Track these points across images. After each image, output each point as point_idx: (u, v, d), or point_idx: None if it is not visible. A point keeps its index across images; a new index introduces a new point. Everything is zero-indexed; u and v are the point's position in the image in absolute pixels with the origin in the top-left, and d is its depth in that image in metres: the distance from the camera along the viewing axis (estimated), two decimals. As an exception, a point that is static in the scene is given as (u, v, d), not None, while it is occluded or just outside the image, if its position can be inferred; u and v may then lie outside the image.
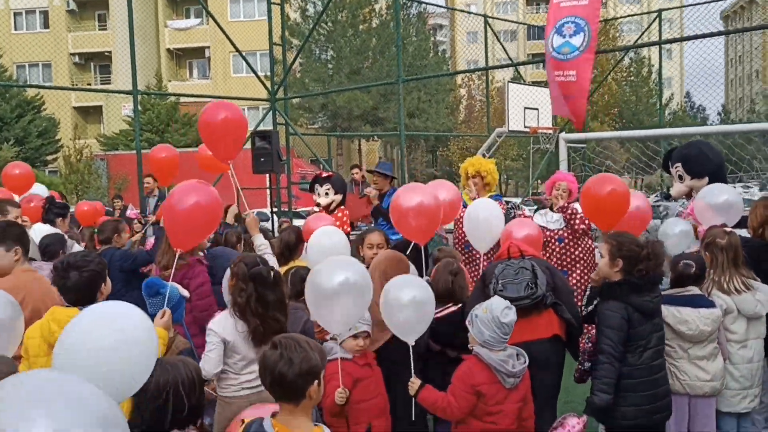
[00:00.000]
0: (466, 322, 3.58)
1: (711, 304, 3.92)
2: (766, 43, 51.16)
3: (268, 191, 20.16)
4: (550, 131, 16.24)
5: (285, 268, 5.05)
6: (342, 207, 7.50)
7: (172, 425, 2.48)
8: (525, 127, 15.41)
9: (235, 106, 4.94)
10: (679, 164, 5.00)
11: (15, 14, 38.50)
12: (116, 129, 34.37)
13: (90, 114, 39.11)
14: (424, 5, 30.20)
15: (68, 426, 1.28)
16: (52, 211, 6.20)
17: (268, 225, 18.45)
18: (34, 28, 38.44)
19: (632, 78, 42.31)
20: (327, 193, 7.36)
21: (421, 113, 32.14)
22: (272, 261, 4.13)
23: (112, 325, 2.43)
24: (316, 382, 2.54)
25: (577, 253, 6.23)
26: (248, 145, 13.33)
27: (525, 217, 8.12)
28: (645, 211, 4.62)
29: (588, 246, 6.31)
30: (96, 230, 6.28)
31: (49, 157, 31.98)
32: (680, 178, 5.05)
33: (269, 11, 14.23)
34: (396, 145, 35.71)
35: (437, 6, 24.31)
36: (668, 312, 3.82)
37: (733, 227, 4.70)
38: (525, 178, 29.82)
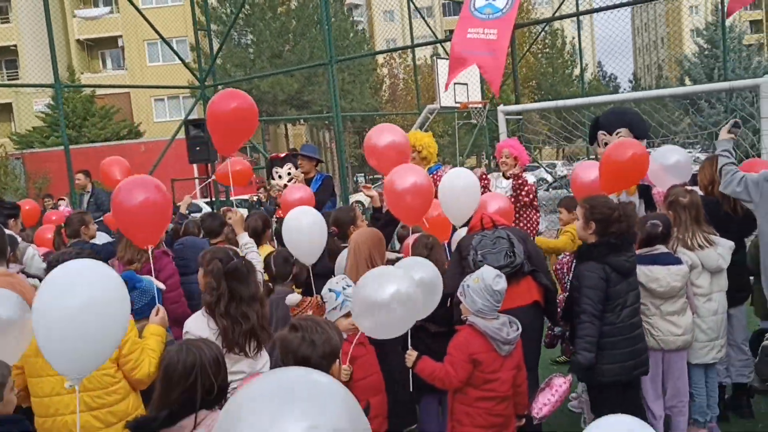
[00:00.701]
0: (458, 294, 3.64)
1: (678, 261, 4.12)
2: (669, 10, 53.30)
3: (196, 181, 19.85)
4: (480, 105, 16.53)
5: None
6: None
7: (201, 405, 2.45)
8: (456, 102, 15.60)
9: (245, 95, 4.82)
10: (625, 129, 5.16)
11: None
12: (28, 126, 32.78)
13: (-1, 112, 37.20)
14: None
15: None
16: (2, 213, 5.93)
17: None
18: (-70, 24, 36.11)
19: (548, 50, 43.39)
20: (289, 173, 7.29)
21: (346, 94, 32.04)
22: (256, 260, 4.04)
23: (82, 282, 2.51)
24: (337, 361, 2.57)
25: (518, 224, 6.22)
26: (181, 135, 13.12)
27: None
28: None
29: (531, 218, 6.36)
30: (63, 224, 6.08)
31: (-42, 159, 30.21)
32: (605, 145, 5.24)
33: (191, -4, 13.84)
34: (322, 128, 35.53)
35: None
36: (640, 271, 3.98)
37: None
38: (452, 153, 30.18)
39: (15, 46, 35.81)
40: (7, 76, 37.47)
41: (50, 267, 3.41)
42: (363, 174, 43.77)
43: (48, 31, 11.24)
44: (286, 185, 7.13)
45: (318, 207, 5.85)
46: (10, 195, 23.61)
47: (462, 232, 4.41)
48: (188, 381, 2.44)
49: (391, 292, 3.27)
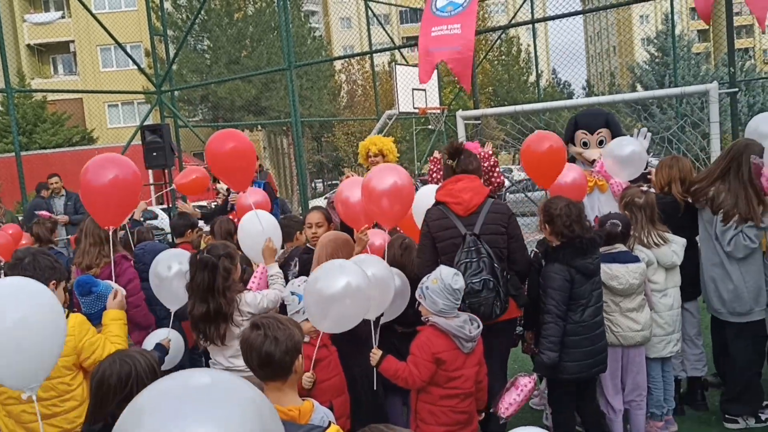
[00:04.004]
0: (416, 296, 3.66)
1: (636, 259, 4.24)
2: (620, 19, 54.61)
3: (152, 188, 19.56)
4: (438, 111, 16.69)
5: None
6: None
7: None
8: (414, 108, 15.73)
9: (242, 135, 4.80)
10: (605, 129, 5.31)
11: None
12: (-26, 132, 31.87)
13: (-58, 117, 36.06)
14: (299, -9, 30.00)
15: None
16: None
17: (158, 223, 17.86)
18: None
19: (504, 57, 44.01)
20: None
21: (304, 100, 31.95)
22: (278, 292, 4.02)
23: (15, 301, 2.51)
24: (300, 356, 2.58)
25: None
26: (136, 140, 12.91)
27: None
28: (581, 182, 4.85)
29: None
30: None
31: None
32: (600, 143, 5.37)
33: (147, 2, 13.64)
34: (280, 134, 35.32)
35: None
36: (600, 269, 4.08)
37: (632, 181, 5.10)
38: (410, 159, 30.38)
39: (-40, 50, 34.83)
40: (-48, 81, 36.38)
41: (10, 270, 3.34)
42: (321, 180, 43.72)
43: (-1, 37, 10.97)
44: (228, 189, 7.14)
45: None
46: (-42, 203, 22.92)
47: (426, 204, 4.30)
48: (123, 392, 2.43)
49: (343, 284, 3.31)
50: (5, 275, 3.44)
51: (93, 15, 12.67)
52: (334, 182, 44.39)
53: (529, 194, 17.20)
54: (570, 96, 51.16)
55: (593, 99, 10.53)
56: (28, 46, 37.09)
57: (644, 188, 4.63)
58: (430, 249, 4.07)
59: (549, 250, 4.03)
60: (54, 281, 3.42)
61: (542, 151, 4.58)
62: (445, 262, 3.98)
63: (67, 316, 3.26)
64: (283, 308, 4.03)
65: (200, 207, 20.62)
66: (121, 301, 3.78)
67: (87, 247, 4.83)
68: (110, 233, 4.56)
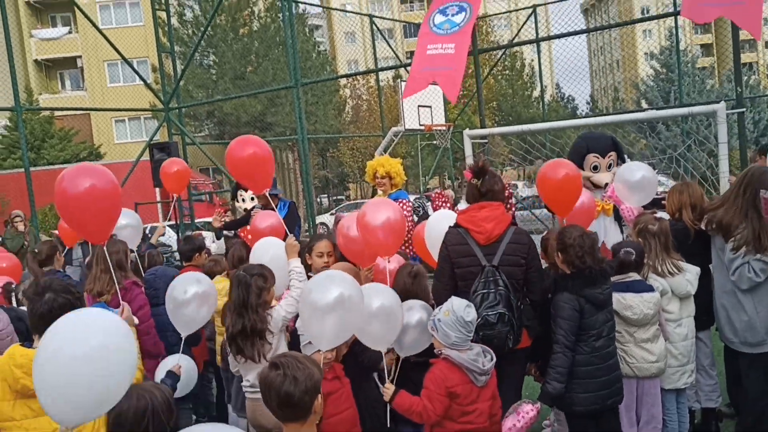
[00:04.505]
0: (429, 328, 3.64)
1: (650, 288, 4.21)
2: (623, 34, 54.79)
3: (159, 207, 19.60)
4: (444, 128, 16.72)
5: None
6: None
7: None
8: (420, 125, 15.76)
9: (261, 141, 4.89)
10: (613, 152, 5.32)
11: None
12: (-17, 147, 32.04)
13: (-49, 133, 36.27)
14: (305, 6, 30.15)
15: None
16: None
17: (167, 240, 17.88)
18: None
19: (507, 72, 44.12)
20: (252, 198, 7.29)
21: (309, 116, 32.05)
22: (300, 288, 4.01)
23: (89, 332, 2.41)
24: (319, 395, 2.57)
25: None
26: (143, 157, 12.96)
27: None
28: (589, 206, 4.84)
29: None
30: (35, 251, 5.98)
31: None
32: (609, 166, 5.37)
33: (154, 18, 13.73)
34: (285, 150, 35.41)
35: (321, 7, 24.31)
36: (613, 298, 4.04)
37: (645, 206, 5.09)
38: (415, 175, 30.41)
39: (-31, 66, 35.09)
40: (-39, 97, 36.62)
41: (32, 290, 3.33)
42: (326, 195, 43.77)
43: (8, 55, 11.08)
44: (246, 210, 7.16)
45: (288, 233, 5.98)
46: (-35, 219, 22.97)
47: (443, 226, 4.29)
48: (140, 427, 2.43)
49: (335, 295, 3.35)
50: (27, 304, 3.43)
51: (100, 31, 12.75)
52: (339, 197, 44.48)
53: (534, 211, 17.20)
54: (574, 110, 51.24)
55: (601, 119, 10.52)
56: (36, 61, 37.33)
57: (658, 215, 4.61)
58: (448, 273, 4.04)
59: (558, 279, 4.02)
60: None
61: (558, 179, 4.56)
62: (462, 288, 3.98)
63: None
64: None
65: (207, 223, 20.68)
66: (129, 316, 3.77)
67: (98, 273, 4.84)
68: (125, 256, 4.59)
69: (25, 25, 36.63)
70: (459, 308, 3.54)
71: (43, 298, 3.21)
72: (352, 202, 33.59)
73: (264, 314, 3.87)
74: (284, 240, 5.58)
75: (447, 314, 3.54)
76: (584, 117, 33.97)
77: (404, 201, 6.95)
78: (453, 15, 7.99)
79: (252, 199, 7.23)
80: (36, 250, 5.99)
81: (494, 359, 3.60)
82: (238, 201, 7.44)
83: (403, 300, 4.05)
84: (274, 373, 2.53)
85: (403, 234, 4.34)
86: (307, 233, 13.47)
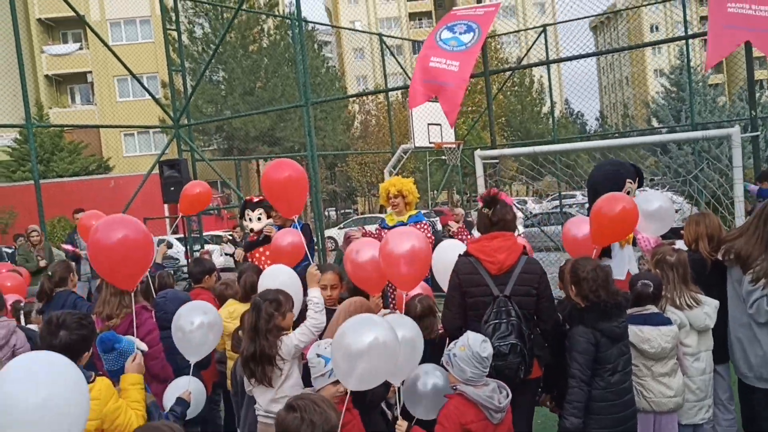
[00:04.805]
0: (444, 362, 3.59)
1: (668, 321, 4.12)
2: (632, 51, 54.78)
3: (167, 220, 19.64)
4: (454, 145, 16.70)
5: (244, 308, 4.94)
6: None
7: None
8: (430, 142, 15.75)
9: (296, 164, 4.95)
10: (634, 180, 5.26)
11: None
12: (-8, 160, 32.27)
13: (-39, 146, 36.55)
14: (313, 24, 30.31)
15: None
16: None
17: (174, 253, 17.89)
18: None
19: (516, 88, 44.18)
20: (260, 218, 7.26)
21: (318, 131, 32.18)
22: (320, 319, 3.98)
23: (39, 380, 2.38)
24: None
25: None
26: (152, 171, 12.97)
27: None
28: None
29: None
30: (49, 273, 5.97)
31: None
32: (628, 193, 5.30)
33: (165, 36, 13.79)
34: (294, 165, 35.43)
35: (330, 26, 24.43)
36: (631, 332, 3.98)
37: (663, 236, 5.01)
38: (423, 190, 30.44)
39: (-19, 80, 35.42)
40: (-28, 111, 36.96)
41: (47, 324, 3.32)
42: (334, 209, 43.79)
43: (20, 71, 11.13)
44: (252, 230, 7.13)
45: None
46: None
47: (451, 255, 4.24)
48: None
49: (370, 340, 3.24)
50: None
51: (109, 48, 12.81)
52: (347, 211, 44.49)
53: (544, 228, 17.13)
54: (583, 126, 51.19)
55: (615, 141, 10.35)
56: (46, 76, 37.65)
57: (676, 246, 4.53)
58: (459, 301, 4.01)
59: (574, 312, 3.96)
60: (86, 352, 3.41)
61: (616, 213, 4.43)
62: (472, 317, 3.94)
63: (93, 380, 3.21)
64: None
65: (215, 236, 20.66)
66: (140, 364, 3.74)
67: (108, 296, 4.79)
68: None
69: (36, 42, 36.98)
70: (475, 343, 3.48)
71: (57, 336, 3.22)
72: (360, 216, 33.56)
73: (274, 340, 3.84)
74: (303, 259, 5.60)
75: (462, 349, 3.48)
76: (593, 134, 33.88)
77: (424, 224, 6.90)
78: (461, 33, 7.94)
79: (258, 219, 7.20)
80: (50, 273, 5.99)
81: (509, 396, 3.53)
82: (245, 220, 7.40)
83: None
84: (291, 416, 2.48)
85: (428, 265, 4.24)
86: (317, 248, 13.43)
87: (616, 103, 63.00)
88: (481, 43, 7.72)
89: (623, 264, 4.90)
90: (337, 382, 3.56)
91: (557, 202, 21.39)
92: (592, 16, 19.99)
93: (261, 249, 7.09)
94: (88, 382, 3.17)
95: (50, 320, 3.28)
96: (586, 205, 5.62)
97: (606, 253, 4.86)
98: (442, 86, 7.48)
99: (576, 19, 19.00)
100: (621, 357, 3.83)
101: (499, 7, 8.50)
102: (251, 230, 7.24)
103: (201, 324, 4.30)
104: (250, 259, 7.31)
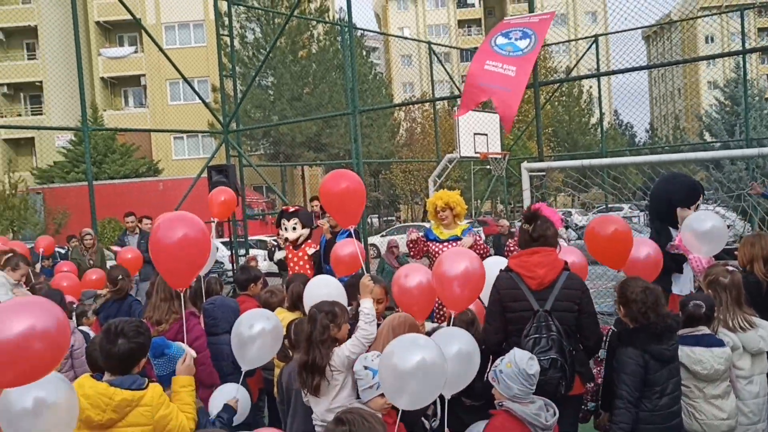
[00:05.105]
0: (490, 379, 3.57)
1: (721, 343, 4.03)
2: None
3: (213, 224, 19.99)
4: (500, 156, 16.60)
5: (292, 316, 5.00)
6: (309, 241, 7.47)
7: None
8: (475, 152, 15.67)
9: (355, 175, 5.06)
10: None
11: (-62, 45, 37.13)
12: (50, 161, 33.28)
13: (21, 146, 37.82)
14: (363, 31, 30.51)
15: None
16: None
17: (219, 257, 18.19)
18: (-42, 58, 37.10)
19: (564, 98, 43.66)
20: (294, 228, 7.32)
21: (363, 138, 32.34)
22: (371, 331, 3.97)
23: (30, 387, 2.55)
24: None
25: None
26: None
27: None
28: (656, 257, 4.68)
29: None
30: (120, 277, 6.18)
31: (-20, 193, 30.61)
32: (697, 208, 5.20)
33: (218, 41, 14.05)
34: (339, 170, 35.67)
35: (380, 33, 24.56)
36: (682, 352, 3.91)
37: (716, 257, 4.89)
38: (467, 199, 30.34)
39: (40, 82, 36.62)
40: (31, 111, 38.22)
41: (106, 332, 3.40)
42: (377, 216, 43.88)
43: (79, 75, 11.46)
44: (287, 239, 7.19)
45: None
46: (30, 230, 23.84)
47: (492, 271, 4.22)
48: None
49: (417, 360, 3.23)
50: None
51: (163, 51, 13.07)
52: (389, 218, 44.53)
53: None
54: (632, 138, 50.33)
55: (666, 157, 10.17)
56: (102, 78, 38.71)
57: (730, 267, 4.42)
58: (499, 316, 4.00)
59: (623, 333, 3.90)
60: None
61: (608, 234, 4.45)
62: (513, 332, 3.93)
63: (146, 386, 3.29)
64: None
65: (259, 241, 20.89)
66: (190, 366, 3.80)
67: (158, 302, 4.90)
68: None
69: (94, 44, 38.08)
70: (521, 360, 3.45)
71: (116, 344, 3.29)
72: (402, 224, 33.57)
73: (327, 351, 3.86)
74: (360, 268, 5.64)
75: (509, 366, 3.45)
76: (642, 146, 33.25)
77: (482, 244, 6.83)
78: (516, 39, 7.84)
79: (294, 229, 7.28)
80: (121, 276, 6.28)
81: (557, 414, 3.49)
82: (281, 229, 7.49)
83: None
84: (339, 429, 2.50)
85: (481, 286, 4.22)
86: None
87: (667, 115, 61.77)
88: (538, 50, 7.61)
89: (687, 283, 4.82)
90: (383, 395, 3.57)
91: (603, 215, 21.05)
92: (646, 26, 19.67)
93: (293, 254, 7.20)
94: (141, 389, 3.25)
95: (109, 329, 3.36)
96: (635, 219, 5.54)
97: (678, 269, 4.79)
98: (499, 90, 7.36)
99: (628, 30, 18.71)
100: (670, 380, 3.77)
101: (554, 16, 8.38)
102: (286, 239, 7.33)
103: (262, 331, 4.32)
104: (288, 263, 7.40)
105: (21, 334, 2.47)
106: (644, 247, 4.60)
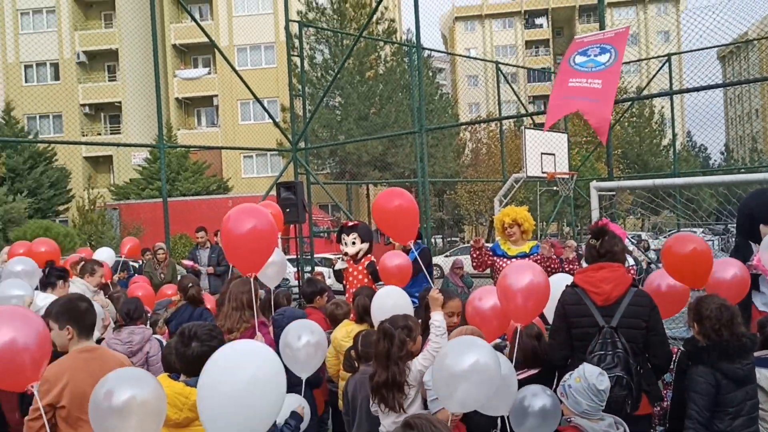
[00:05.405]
0: (559, 394, 3.53)
1: (801, 366, 3.89)
2: (764, 83, 51.76)
3: (279, 240, 20.36)
4: (567, 176, 16.37)
5: (359, 328, 5.07)
6: (369, 256, 7.54)
7: None
8: (542, 172, 15.51)
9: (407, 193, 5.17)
10: None
11: (26, 67, 39.25)
12: (126, 178, 34.65)
13: (100, 164, 39.54)
14: (430, 51, 30.69)
15: None
16: (53, 275, 6.22)
17: (287, 273, 18.47)
18: (45, 80, 39.12)
19: (635, 119, 42.71)
20: (354, 242, 7.41)
21: (429, 157, 32.41)
22: (441, 344, 3.98)
23: (246, 363, 2.71)
24: None
25: None
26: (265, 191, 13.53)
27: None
28: (742, 277, 4.54)
29: None
30: (189, 284, 6.41)
31: (60, 207, 32.10)
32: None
33: (289, 63, 14.42)
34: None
35: (447, 53, 24.69)
36: (760, 374, 3.79)
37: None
38: (533, 219, 29.89)
39: (119, 102, 38.28)
40: (110, 130, 39.96)
41: (180, 335, 3.53)
42: (441, 236, 43.77)
43: (156, 95, 11.98)
44: (347, 253, 7.25)
45: (414, 275, 6.24)
46: (107, 244, 24.77)
47: (558, 286, 4.21)
48: None
49: (471, 362, 3.24)
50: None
51: (237, 72, 13.50)
52: (453, 239, 44.35)
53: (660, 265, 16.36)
54: (706, 160, 48.74)
55: (741, 177, 9.84)
56: (176, 99, 40.15)
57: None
58: (564, 332, 3.97)
59: (693, 351, 3.81)
60: None
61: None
62: (578, 348, 3.89)
63: None
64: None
65: (324, 259, 21.13)
66: None
67: (229, 310, 5.07)
68: (256, 296, 4.82)
69: (170, 66, 39.58)
70: (591, 375, 3.41)
71: (190, 347, 3.41)
72: (466, 244, 33.37)
73: (404, 367, 3.90)
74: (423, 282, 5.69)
75: (578, 380, 3.42)
76: (717, 169, 32.19)
77: (555, 259, 6.81)
78: (595, 56, 7.74)
79: (353, 243, 7.37)
80: (191, 284, 6.51)
81: None
82: (341, 244, 7.60)
83: (529, 361, 3.98)
84: None
85: (546, 299, 4.21)
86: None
87: (744, 136, 59.62)
88: (620, 62, 7.46)
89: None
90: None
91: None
92: (722, 45, 19.14)
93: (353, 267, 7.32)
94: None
95: (182, 332, 3.48)
96: (708, 243, 5.36)
97: (755, 286, 4.66)
98: (587, 102, 7.27)
99: (703, 49, 18.24)
100: (747, 401, 3.65)
101: (629, 30, 8.25)
102: (345, 254, 7.43)
103: (308, 343, 4.46)
104: (345, 278, 7.50)
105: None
106: (731, 268, 4.47)
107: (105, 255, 8.95)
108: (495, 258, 6.99)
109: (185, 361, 3.41)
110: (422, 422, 2.52)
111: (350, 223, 7.69)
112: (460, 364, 3.25)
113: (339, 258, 7.88)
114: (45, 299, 5.34)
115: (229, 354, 2.77)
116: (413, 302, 5.28)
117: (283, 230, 8.59)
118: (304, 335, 4.48)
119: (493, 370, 3.28)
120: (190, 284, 6.39)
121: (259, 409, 2.68)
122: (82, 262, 7.17)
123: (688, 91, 10.49)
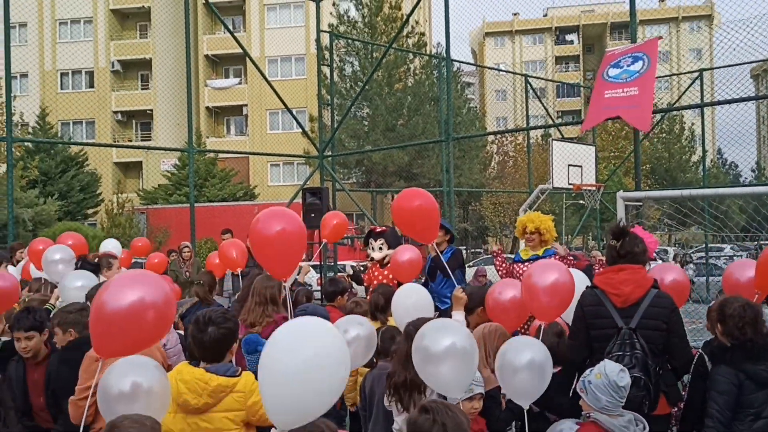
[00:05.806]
0: (578, 389, 3.53)
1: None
2: (798, 100, 50.91)
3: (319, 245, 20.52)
4: (594, 188, 16.26)
5: (375, 326, 5.11)
6: None
7: None
8: (569, 184, 15.42)
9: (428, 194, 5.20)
10: None
11: (62, 75, 40.22)
12: (155, 183, 35.17)
13: (130, 169, 40.21)
14: (459, 64, 30.74)
15: None
16: (85, 269, 6.32)
17: (308, 279, 18.58)
18: (79, 87, 40.06)
19: (664, 135, 42.27)
20: (381, 248, 7.45)
21: (455, 169, 32.46)
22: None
23: (309, 339, 2.70)
24: None
25: None
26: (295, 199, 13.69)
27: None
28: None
29: None
30: (200, 282, 6.51)
31: (90, 211, 32.69)
32: None
33: (319, 74, 14.61)
34: (429, 201, 35.87)
35: (476, 66, 24.76)
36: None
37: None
38: (558, 233, 29.71)
39: (151, 110, 38.99)
40: (141, 137, 40.67)
41: (195, 323, 3.61)
42: (465, 247, 43.62)
43: (187, 103, 12.21)
44: (372, 258, 7.33)
45: (446, 275, 6.34)
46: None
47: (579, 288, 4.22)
48: None
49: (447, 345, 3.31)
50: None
51: (269, 83, 13.71)
52: (477, 250, 44.17)
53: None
54: (736, 177, 48.04)
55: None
56: (207, 108, 40.76)
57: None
58: (583, 333, 3.97)
59: (716, 351, 3.79)
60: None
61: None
62: (597, 349, 3.89)
63: (239, 374, 3.45)
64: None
65: (351, 265, 21.22)
66: None
67: (253, 305, 5.16)
68: (278, 291, 4.87)
69: (201, 75, 40.21)
70: (612, 372, 3.42)
71: (207, 332, 3.45)
72: (489, 255, 33.25)
73: None
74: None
75: (598, 377, 3.42)
76: (747, 185, 31.71)
77: (569, 261, 6.81)
78: (628, 66, 7.77)
79: (380, 249, 7.41)
80: (201, 281, 6.51)
81: (647, 429, 3.42)
82: (369, 249, 7.66)
83: (551, 359, 3.99)
84: (423, 417, 2.55)
85: (570, 297, 4.22)
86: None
87: (776, 155, 58.60)
88: (654, 68, 7.47)
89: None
90: (471, 398, 3.61)
91: (702, 254, 20.14)
92: (756, 61, 18.91)
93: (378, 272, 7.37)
94: (235, 376, 3.43)
95: (197, 320, 3.54)
96: (735, 258, 5.34)
97: None
98: (626, 109, 7.30)
99: (736, 65, 18.03)
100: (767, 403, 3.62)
101: (659, 41, 8.24)
102: (371, 259, 7.48)
103: (356, 337, 4.35)
104: (369, 281, 7.55)
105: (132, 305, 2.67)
106: (749, 269, 4.46)
107: (111, 245, 9.00)
108: (514, 265, 7.04)
109: (203, 347, 3.45)
110: (438, 406, 2.57)
111: (378, 229, 7.75)
112: (436, 347, 3.33)
113: (360, 267, 7.92)
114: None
115: (291, 331, 2.75)
116: (445, 302, 5.30)
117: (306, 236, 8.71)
118: (352, 329, 4.36)
119: (470, 354, 3.34)
120: (200, 282, 6.50)
121: (323, 387, 2.64)
122: (97, 259, 7.16)
123: (719, 103, 10.39)
